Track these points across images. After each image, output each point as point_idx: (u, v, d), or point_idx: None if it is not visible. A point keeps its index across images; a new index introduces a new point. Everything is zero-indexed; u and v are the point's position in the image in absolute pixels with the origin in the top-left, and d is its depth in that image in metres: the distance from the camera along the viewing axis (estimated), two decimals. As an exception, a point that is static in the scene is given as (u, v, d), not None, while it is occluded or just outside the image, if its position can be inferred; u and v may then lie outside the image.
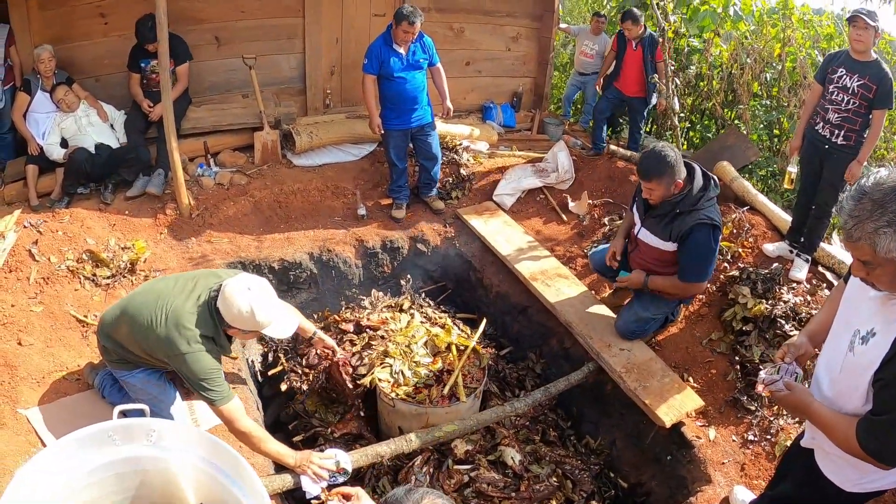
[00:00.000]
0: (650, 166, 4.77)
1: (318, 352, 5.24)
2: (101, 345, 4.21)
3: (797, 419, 4.88)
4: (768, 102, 9.95)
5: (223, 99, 7.88)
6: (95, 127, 6.78)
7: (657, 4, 8.59)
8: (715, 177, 4.95)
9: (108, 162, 6.66)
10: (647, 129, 10.87)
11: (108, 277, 5.71)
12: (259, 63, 7.73)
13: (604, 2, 13.68)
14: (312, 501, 4.02)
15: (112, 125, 6.99)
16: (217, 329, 3.94)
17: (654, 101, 8.61)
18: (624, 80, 8.51)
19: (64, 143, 6.68)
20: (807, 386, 3.02)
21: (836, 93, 5.81)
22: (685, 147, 10.58)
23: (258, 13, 7.75)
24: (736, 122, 9.82)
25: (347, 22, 8.29)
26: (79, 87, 6.81)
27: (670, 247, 5.02)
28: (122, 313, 4.03)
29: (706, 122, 10.78)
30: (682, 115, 9.98)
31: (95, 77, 7.19)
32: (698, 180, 4.85)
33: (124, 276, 5.78)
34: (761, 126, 9.64)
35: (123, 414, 3.73)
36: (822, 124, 5.95)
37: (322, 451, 4.48)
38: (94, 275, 5.70)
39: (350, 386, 5.13)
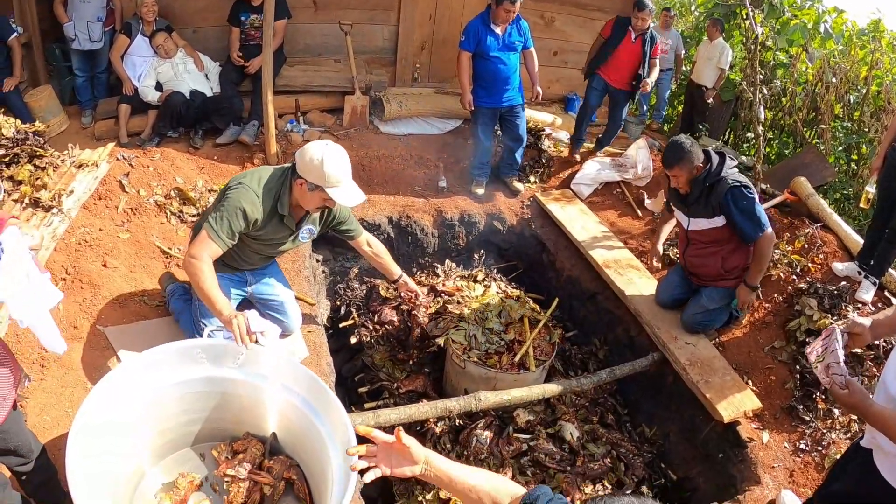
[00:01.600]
0: (670, 156, 5.07)
1: (403, 294, 5.30)
2: None
3: (850, 435, 4.84)
4: (849, 125, 9.73)
5: (316, 62, 7.99)
6: (191, 74, 6.91)
7: (746, 14, 8.44)
8: (728, 151, 5.11)
9: (202, 108, 6.79)
10: (724, 140, 10.74)
11: (194, 215, 5.82)
12: (353, 31, 7.82)
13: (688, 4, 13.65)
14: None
15: (207, 75, 7.11)
16: (283, 183, 4.00)
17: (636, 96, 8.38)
18: (614, 71, 7.93)
19: (158, 88, 6.80)
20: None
21: None
22: (760, 162, 10.46)
23: None
24: (815, 141, 9.66)
25: (443, 0, 8.32)
26: (177, 35, 6.93)
27: (719, 221, 5.14)
28: None
29: (784, 139, 10.62)
30: (766, 126, 9.85)
31: (193, 28, 7.33)
32: (714, 157, 5.06)
33: (210, 216, 5.85)
34: (840, 148, 9.44)
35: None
36: None
37: (384, 403, 4.54)
38: (181, 211, 5.81)
39: (417, 334, 5.25)
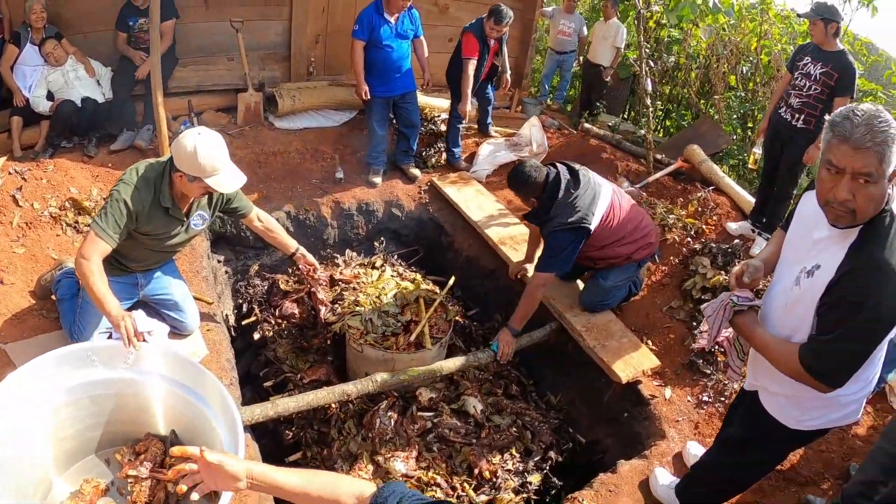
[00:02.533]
0: (511, 180, 5.26)
1: (301, 267, 5.33)
2: None
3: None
4: (743, 95, 10.10)
5: (209, 61, 7.96)
6: (82, 81, 6.85)
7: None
8: (585, 174, 5.20)
9: (93, 115, 6.75)
10: (625, 115, 11.07)
11: (90, 225, 5.77)
12: (245, 27, 7.79)
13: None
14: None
15: (98, 81, 7.05)
16: (163, 175, 4.04)
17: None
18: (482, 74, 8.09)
19: (50, 97, 6.72)
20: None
21: (800, 79, 6.06)
22: (661, 134, 10.80)
23: None
24: (711, 112, 9.97)
25: (335, -9, 8.40)
26: (67, 42, 6.85)
27: None
28: None
29: (682, 111, 10.96)
30: (655, 97, 10.16)
31: (83, 34, 7.22)
32: (561, 183, 5.07)
33: (106, 224, 5.88)
34: (735, 117, 9.80)
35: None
36: (785, 108, 6.21)
37: (288, 394, 4.69)
38: (77, 222, 5.80)
39: (323, 319, 5.39)
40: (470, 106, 7.68)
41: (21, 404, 3.17)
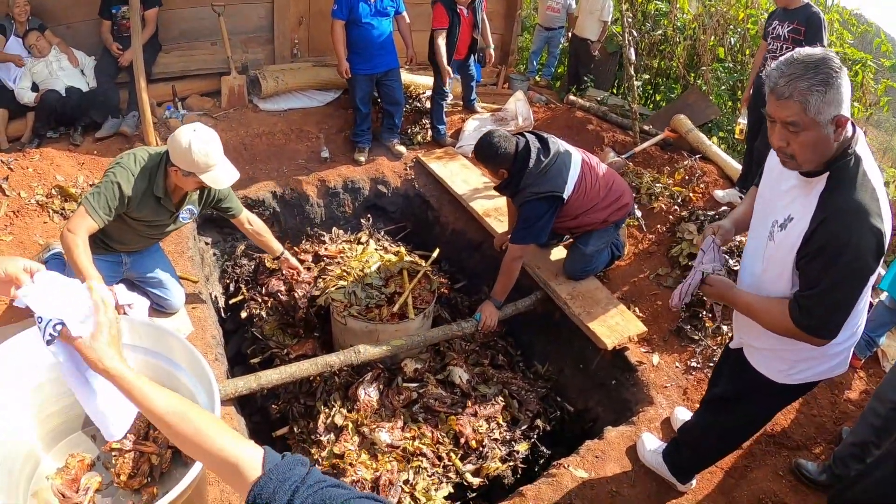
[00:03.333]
0: (478, 151, 5.18)
1: (284, 271, 5.54)
2: None
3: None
4: (731, 65, 10.13)
5: (192, 46, 8.02)
6: (66, 71, 6.91)
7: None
8: (554, 142, 5.19)
9: (78, 104, 6.81)
10: (614, 89, 11.11)
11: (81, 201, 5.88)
12: (228, 11, 7.85)
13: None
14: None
15: (82, 70, 7.12)
16: (159, 166, 4.19)
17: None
18: (457, 51, 8.08)
19: (35, 88, 6.79)
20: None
21: (772, 43, 6.20)
22: (650, 108, 10.85)
23: None
24: (699, 83, 10.00)
25: (317, -28, 8.45)
26: (50, 33, 6.92)
27: None
28: None
29: (671, 84, 10.99)
30: (640, 67, 10.21)
31: (66, 24, 7.28)
32: (531, 153, 5.05)
33: (92, 211, 5.96)
34: (723, 88, 9.83)
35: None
36: (763, 73, 6.23)
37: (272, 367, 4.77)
38: (63, 209, 5.88)
39: (302, 307, 5.45)
40: (450, 79, 7.75)
41: (3, 382, 3.26)
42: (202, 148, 3.96)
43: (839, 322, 2.70)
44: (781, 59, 2.53)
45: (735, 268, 5.37)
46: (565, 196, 5.05)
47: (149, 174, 4.17)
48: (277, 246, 5.28)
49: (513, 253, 5.20)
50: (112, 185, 4.01)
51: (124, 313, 3.63)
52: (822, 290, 2.64)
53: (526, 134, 5.19)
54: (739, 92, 10.06)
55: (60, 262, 4.61)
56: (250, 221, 5.04)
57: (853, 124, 2.58)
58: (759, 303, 2.95)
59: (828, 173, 2.62)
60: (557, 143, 5.20)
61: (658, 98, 11.28)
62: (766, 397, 3.33)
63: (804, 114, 2.44)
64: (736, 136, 7.45)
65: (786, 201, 2.82)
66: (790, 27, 6.03)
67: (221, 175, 4.15)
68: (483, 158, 5.16)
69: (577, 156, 5.25)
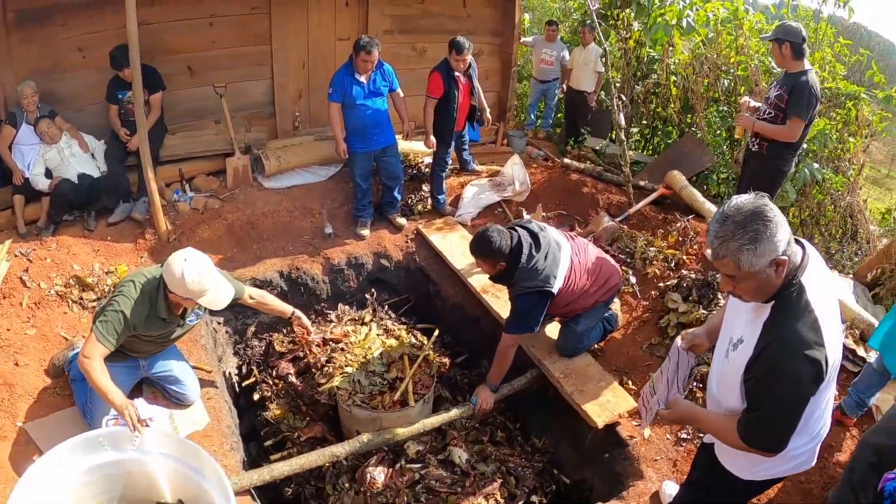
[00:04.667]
0: (475, 246, 5.52)
1: (296, 329, 5.98)
2: None
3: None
4: (725, 109, 10.35)
5: (197, 125, 8.49)
6: (77, 157, 7.31)
7: (617, 14, 9.21)
8: (545, 236, 5.56)
9: (90, 190, 7.22)
10: (611, 137, 11.46)
11: (94, 300, 6.30)
12: (230, 90, 8.32)
13: (569, 11, 14.42)
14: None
15: (93, 154, 7.52)
16: (158, 290, 4.61)
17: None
18: (458, 121, 8.46)
19: (48, 173, 7.17)
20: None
21: (763, 104, 6.54)
22: (648, 152, 11.24)
23: (228, 42, 8.38)
24: (693, 128, 10.29)
25: (314, 46, 8.96)
26: (61, 119, 7.31)
27: None
28: None
29: (668, 129, 11.29)
30: (629, 130, 10.59)
31: (75, 108, 7.69)
32: (523, 248, 5.40)
33: (109, 298, 6.38)
34: (718, 133, 10.06)
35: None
36: (750, 135, 6.69)
37: (288, 453, 5.26)
38: (81, 298, 6.29)
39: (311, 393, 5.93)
40: (433, 139, 8.18)
41: (43, 489, 3.79)
42: (195, 277, 4.41)
43: (784, 438, 2.91)
44: (716, 215, 2.75)
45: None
46: (555, 291, 5.44)
47: (149, 298, 4.63)
48: (286, 308, 5.73)
49: (506, 342, 5.60)
50: (117, 313, 4.48)
51: (146, 425, 4.21)
52: (763, 414, 2.88)
53: (518, 228, 5.56)
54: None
55: None
56: (252, 296, 5.45)
57: (804, 247, 2.87)
58: (716, 421, 3.21)
59: (773, 302, 2.85)
60: (549, 236, 5.57)
61: (657, 141, 11.59)
62: (732, 492, 3.54)
63: (739, 270, 2.69)
64: (736, 136, 7.96)
65: (742, 321, 3.05)
66: (777, 92, 6.27)
67: (218, 297, 4.65)
68: (481, 255, 5.48)
69: (567, 248, 5.64)
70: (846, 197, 9.70)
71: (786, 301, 2.82)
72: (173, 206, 7.83)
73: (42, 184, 7.12)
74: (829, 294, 2.95)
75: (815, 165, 8.78)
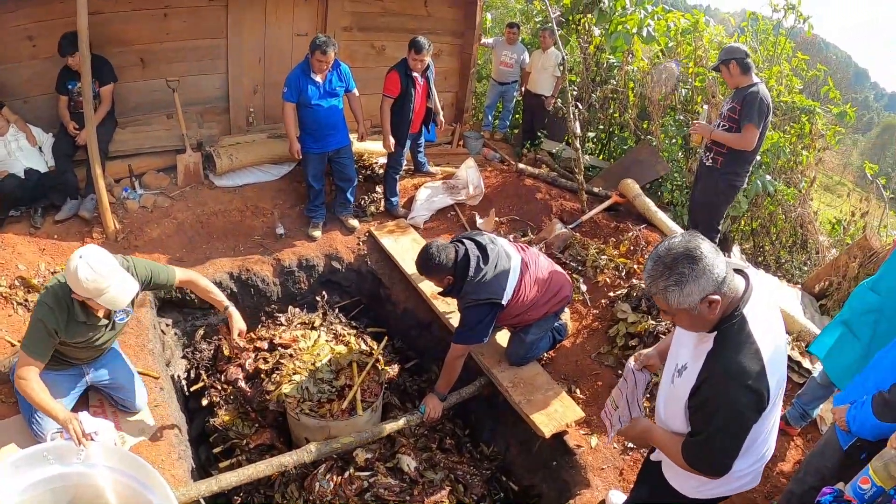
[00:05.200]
0: (420, 263, 5.52)
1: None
2: None
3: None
4: (682, 118, 10.45)
5: (148, 120, 8.37)
6: (24, 152, 7.18)
7: (579, 20, 9.28)
8: (493, 247, 5.60)
9: (36, 187, 7.13)
10: (567, 140, 11.55)
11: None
12: (183, 83, 8.27)
13: (531, 14, 14.53)
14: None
15: (40, 148, 7.39)
16: (68, 294, 4.41)
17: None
18: (413, 124, 8.57)
19: None
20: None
21: (718, 119, 6.80)
22: (605, 156, 11.38)
23: (182, 35, 8.26)
24: (649, 136, 10.38)
25: (270, 42, 8.90)
26: (8, 110, 7.17)
27: None
28: None
29: (625, 135, 11.39)
30: (584, 139, 10.76)
31: (24, 98, 7.56)
32: (471, 262, 5.43)
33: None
34: (673, 142, 10.16)
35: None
36: (704, 149, 6.93)
37: (237, 461, 5.29)
38: (26, 300, 6.15)
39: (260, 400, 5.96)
40: (392, 140, 8.18)
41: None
42: (89, 275, 4.16)
43: (727, 463, 3.01)
44: (651, 254, 2.90)
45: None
46: (504, 302, 5.51)
47: (65, 304, 4.46)
48: (220, 298, 5.33)
49: (455, 352, 5.67)
50: (38, 323, 4.38)
51: (91, 439, 4.23)
52: (705, 439, 2.99)
53: (465, 241, 5.60)
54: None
55: None
56: (181, 280, 5.16)
57: (748, 278, 2.99)
58: (667, 440, 3.32)
59: (716, 333, 2.96)
60: (497, 247, 5.63)
61: (612, 146, 11.71)
62: None
63: (669, 306, 2.85)
64: (692, 144, 8.23)
65: (688, 348, 3.17)
66: (730, 106, 6.59)
67: (117, 294, 4.32)
68: (427, 272, 5.53)
69: (518, 259, 5.69)
70: (797, 208, 9.88)
71: (727, 333, 2.93)
72: (122, 203, 7.76)
73: (-12, 177, 6.96)
74: (774, 322, 3.08)
75: (768, 178, 8.92)
